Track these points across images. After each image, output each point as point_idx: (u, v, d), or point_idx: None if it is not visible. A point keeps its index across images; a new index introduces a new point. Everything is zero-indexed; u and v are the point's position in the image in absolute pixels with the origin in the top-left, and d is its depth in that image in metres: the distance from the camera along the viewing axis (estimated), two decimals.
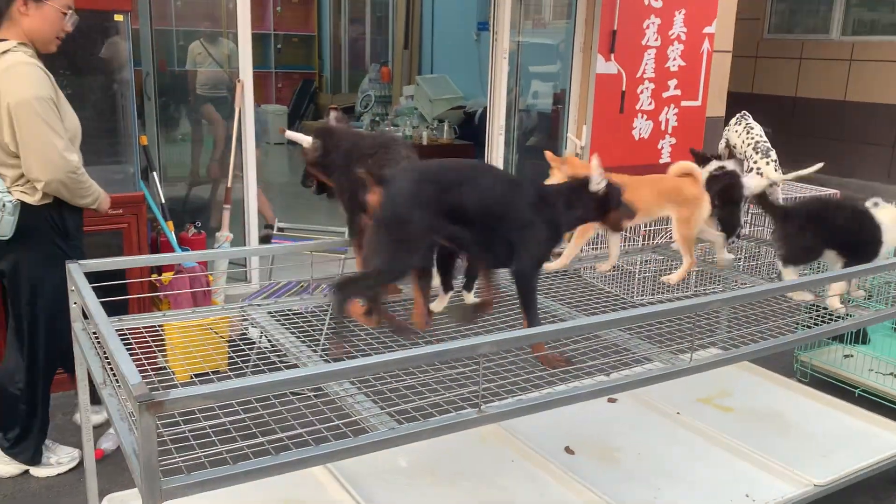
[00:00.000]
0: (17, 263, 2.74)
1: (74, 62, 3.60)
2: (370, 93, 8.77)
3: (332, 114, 2.51)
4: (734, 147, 3.53)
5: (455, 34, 8.56)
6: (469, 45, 8.21)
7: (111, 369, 1.75)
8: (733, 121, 3.55)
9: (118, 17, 3.43)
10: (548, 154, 2.71)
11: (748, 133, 3.40)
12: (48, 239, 2.73)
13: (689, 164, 2.79)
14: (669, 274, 2.90)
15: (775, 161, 3.31)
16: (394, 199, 1.92)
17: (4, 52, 2.55)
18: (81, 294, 1.93)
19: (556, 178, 2.68)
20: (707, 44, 5.96)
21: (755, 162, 3.31)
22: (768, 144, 3.36)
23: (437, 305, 2.35)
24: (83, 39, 3.53)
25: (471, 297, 2.40)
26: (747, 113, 3.55)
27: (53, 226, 2.73)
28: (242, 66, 4.40)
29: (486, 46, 5.66)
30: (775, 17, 9.50)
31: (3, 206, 2.58)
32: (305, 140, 2.42)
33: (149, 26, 4.86)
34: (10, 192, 2.63)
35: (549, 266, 2.81)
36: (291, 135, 2.52)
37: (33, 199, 2.66)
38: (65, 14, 2.66)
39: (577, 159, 2.82)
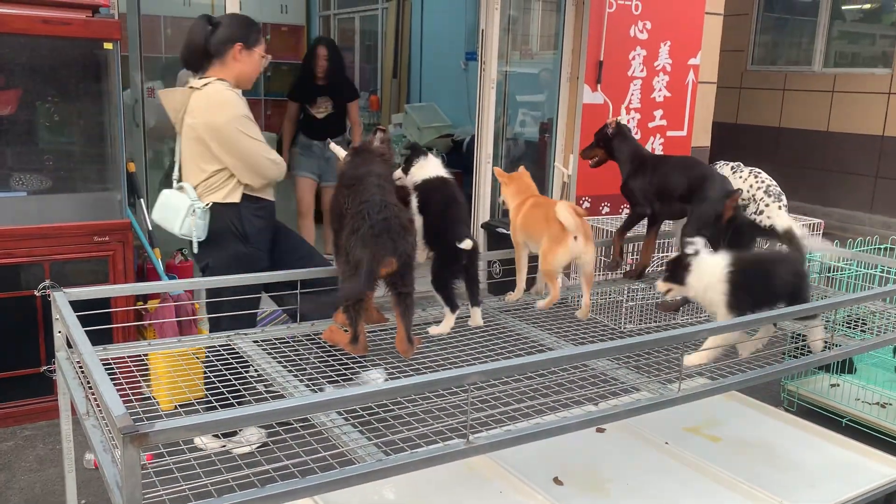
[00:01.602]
0: (209, 263, 3.09)
1: (65, 89, 3.60)
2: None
3: (378, 134, 2.65)
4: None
5: (443, 63, 8.63)
6: (457, 74, 8.28)
7: (95, 400, 1.72)
8: (729, 168, 3.54)
9: (108, 46, 3.44)
10: (496, 170, 2.93)
11: (756, 177, 3.40)
12: (232, 242, 3.07)
13: (564, 212, 2.51)
14: (658, 301, 2.91)
15: (785, 206, 3.31)
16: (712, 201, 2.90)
17: (206, 84, 2.99)
18: (66, 322, 1.91)
19: (506, 193, 2.84)
20: (692, 75, 6.04)
21: (766, 205, 3.30)
22: (779, 189, 3.36)
23: (445, 326, 2.49)
24: (73, 67, 3.54)
25: (478, 313, 2.57)
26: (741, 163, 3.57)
27: (235, 230, 3.06)
28: None
29: (474, 76, 5.71)
30: (759, 50, 9.66)
31: (195, 211, 2.95)
32: (342, 154, 2.65)
33: (138, 53, 4.87)
34: (200, 199, 2.99)
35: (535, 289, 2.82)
36: (334, 147, 2.77)
37: (217, 198, 3.01)
38: (262, 58, 3.13)
39: (522, 176, 2.86)
